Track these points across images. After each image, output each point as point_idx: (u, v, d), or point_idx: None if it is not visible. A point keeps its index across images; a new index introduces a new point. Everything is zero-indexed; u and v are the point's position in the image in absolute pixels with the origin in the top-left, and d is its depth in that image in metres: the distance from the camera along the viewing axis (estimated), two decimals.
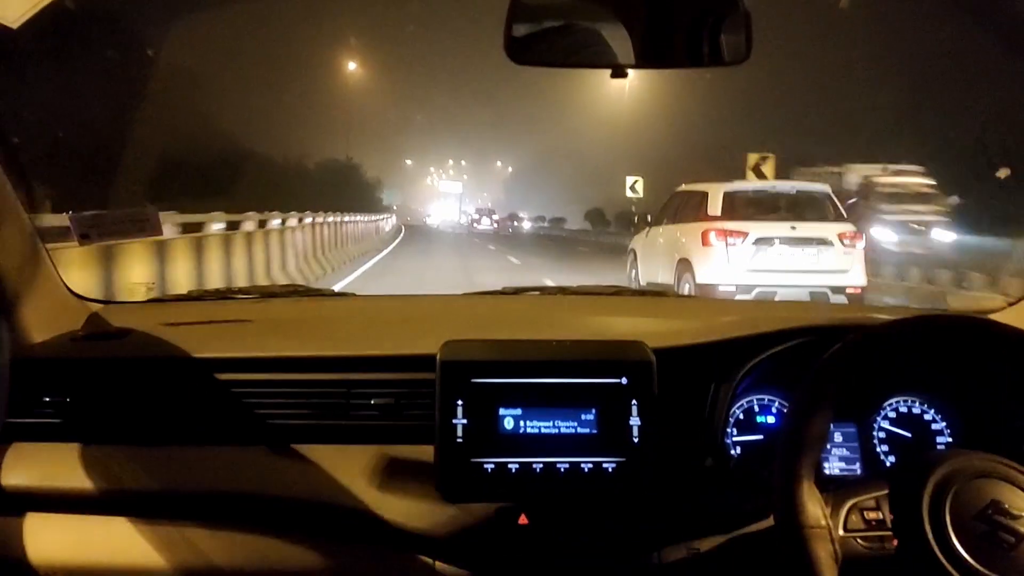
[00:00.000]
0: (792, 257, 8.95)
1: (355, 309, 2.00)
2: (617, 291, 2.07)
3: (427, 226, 66.51)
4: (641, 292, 2.22)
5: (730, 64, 1.22)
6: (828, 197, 9.46)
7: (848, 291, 8.89)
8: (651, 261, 10.72)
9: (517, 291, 1.99)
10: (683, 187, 10.62)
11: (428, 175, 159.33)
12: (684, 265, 9.46)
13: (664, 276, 9.97)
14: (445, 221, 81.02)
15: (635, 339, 1.36)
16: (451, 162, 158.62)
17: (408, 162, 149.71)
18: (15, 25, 1.25)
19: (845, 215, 9.35)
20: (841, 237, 8.98)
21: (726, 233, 9.01)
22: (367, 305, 2.09)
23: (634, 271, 11.34)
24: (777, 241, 8.93)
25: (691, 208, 9.82)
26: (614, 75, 1.24)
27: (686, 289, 9.20)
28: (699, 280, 9.07)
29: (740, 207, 9.43)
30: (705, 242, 9.10)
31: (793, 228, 9.03)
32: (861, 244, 9.11)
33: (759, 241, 8.93)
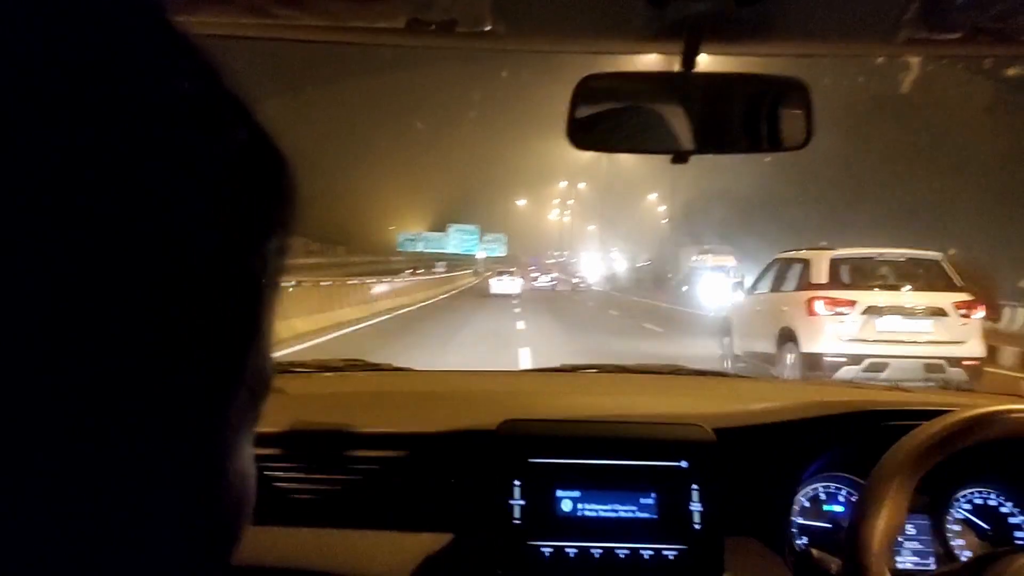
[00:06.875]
0: (905, 327, 8.64)
1: (413, 384, 2.00)
2: (676, 370, 2.05)
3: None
4: (701, 372, 2.17)
5: (788, 150, 1.21)
6: (941, 265, 9.10)
7: (965, 363, 8.47)
8: (748, 330, 10.49)
9: (575, 368, 1.96)
10: (782, 254, 10.48)
11: (551, 207, 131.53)
12: (787, 334, 9.30)
13: (764, 346, 9.75)
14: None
15: (696, 420, 1.33)
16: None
17: (520, 203, 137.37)
18: None
19: (960, 284, 8.93)
20: (957, 307, 8.60)
21: (834, 303, 8.81)
22: (425, 380, 2.08)
23: (727, 339, 11.10)
24: (888, 310, 8.66)
25: (792, 276, 9.66)
26: (675, 161, 1.23)
27: (788, 359, 9.02)
28: (804, 349, 8.88)
29: (847, 274, 9.23)
30: (810, 311, 8.91)
31: (905, 297, 8.74)
32: (979, 315, 8.69)
33: (868, 310, 8.67)
